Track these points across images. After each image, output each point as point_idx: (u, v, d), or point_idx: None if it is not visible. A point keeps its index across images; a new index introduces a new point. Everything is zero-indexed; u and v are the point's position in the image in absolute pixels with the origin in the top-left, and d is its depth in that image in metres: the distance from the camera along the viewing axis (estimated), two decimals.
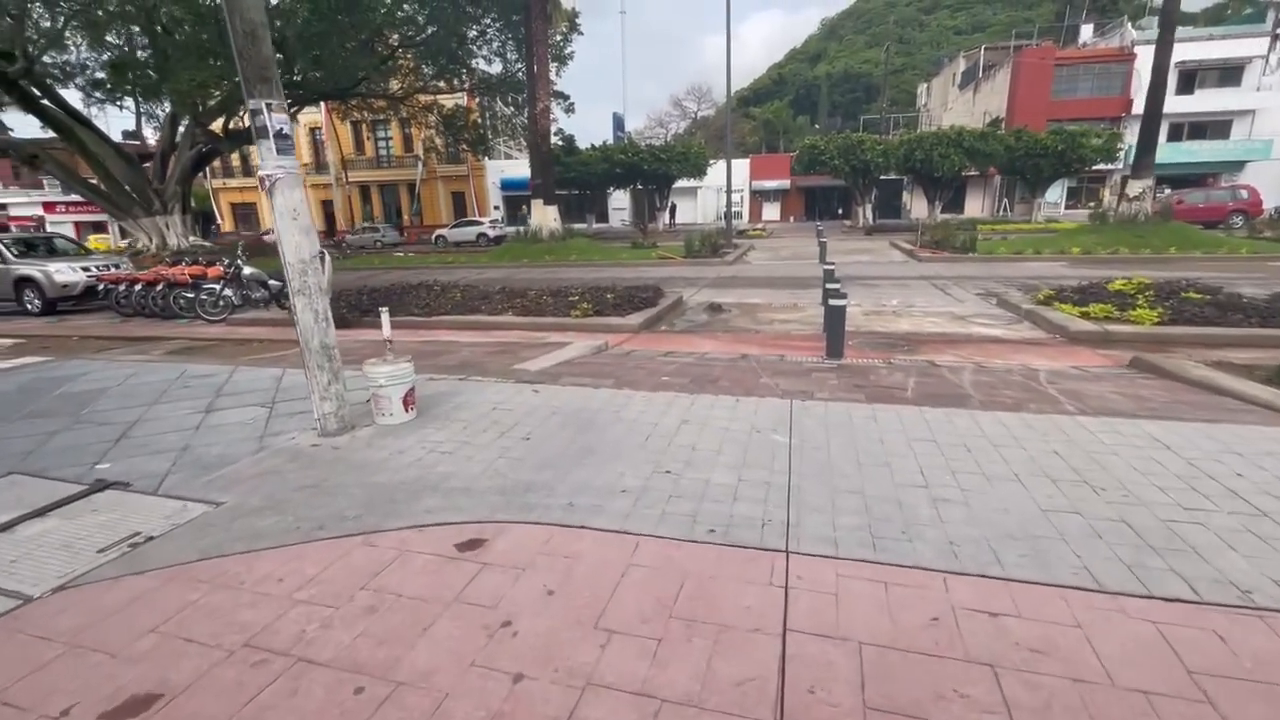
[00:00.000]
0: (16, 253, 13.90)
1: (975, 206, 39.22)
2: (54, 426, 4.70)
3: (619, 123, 43.83)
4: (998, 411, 4.46)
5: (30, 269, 13.39)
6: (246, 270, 11.84)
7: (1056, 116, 33.90)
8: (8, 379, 6.19)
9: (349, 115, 32.70)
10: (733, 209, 29.38)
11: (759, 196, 45.80)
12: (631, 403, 4.81)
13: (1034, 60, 35.50)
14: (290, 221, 3.89)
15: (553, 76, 25.60)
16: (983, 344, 7.35)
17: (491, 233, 32.73)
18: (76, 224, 42.44)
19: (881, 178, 33.16)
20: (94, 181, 21.46)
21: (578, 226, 35.75)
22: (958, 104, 45.93)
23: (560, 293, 10.45)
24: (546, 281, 14.39)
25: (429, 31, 23.34)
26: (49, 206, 43.25)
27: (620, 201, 43.09)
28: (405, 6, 22.44)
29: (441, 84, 26.82)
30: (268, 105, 3.69)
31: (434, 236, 34.62)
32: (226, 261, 12.00)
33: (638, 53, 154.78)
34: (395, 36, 23.65)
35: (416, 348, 7.54)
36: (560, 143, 32.89)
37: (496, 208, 42.09)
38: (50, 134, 21.16)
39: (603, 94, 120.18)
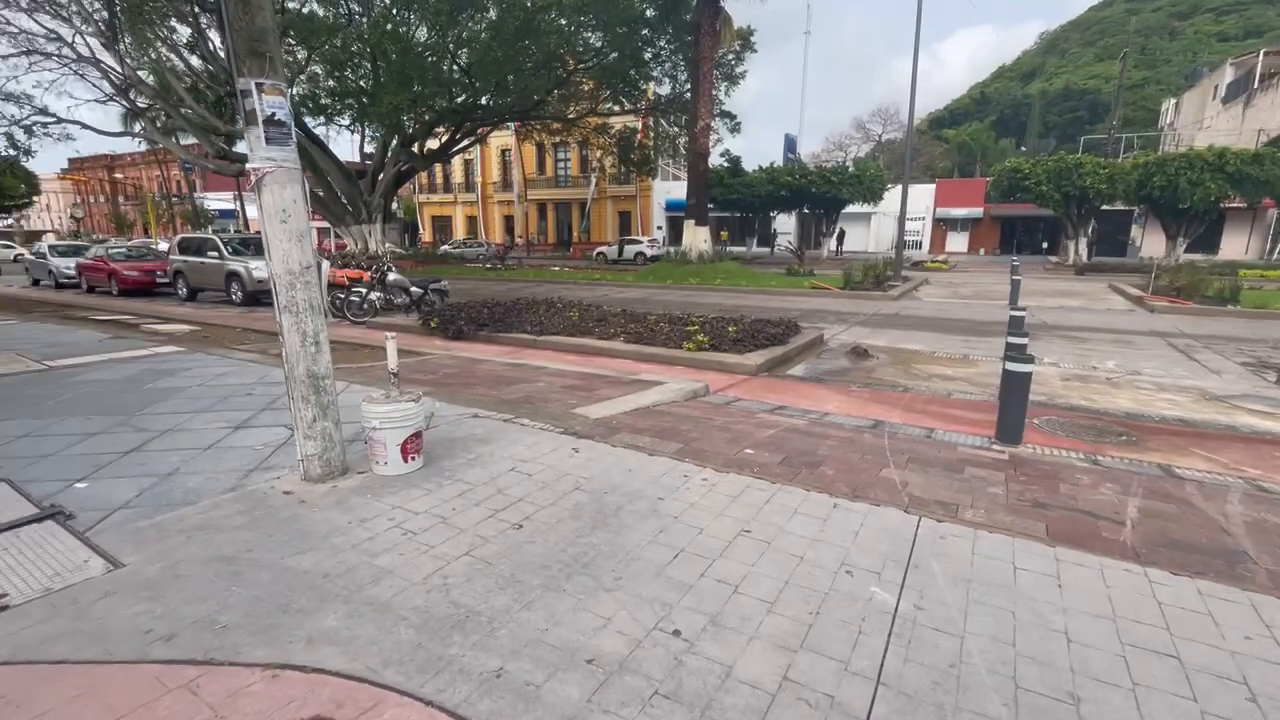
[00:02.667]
0: (231, 250, 16.03)
1: (1236, 247, 31.48)
2: (100, 426, 4.59)
3: (790, 144, 41.92)
4: None
5: (237, 264, 15.31)
6: (391, 276, 12.36)
7: None
8: (123, 369, 6.53)
9: (529, 136, 34.77)
10: (910, 238, 26.32)
11: (944, 225, 41.01)
12: (686, 486, 3.55)
13: None
14: (279, 225, 3.24)
15: (721, 96, 24.83)
16: (1256, 445, 4.94)
17: (649, 251, 32.81)
18: (318, 230, 50.47)
19: (1104, 208, 27.72)
20: (319, 193, 24.90)
21: (737, 250, 34.53)
22: (1218, 121, 37.49)
23: (680, 320, 9.39)
24: (683, 305, 13.43)
25: (605, 56, 23.82)
26: None
27: (785, 225, 41.15)
28: (584, 35, 23.07)
29: (615, 106, 27.34)
30: (258, 85, 3.07)
31: (595, 253, 35.61)
32: (373, 267, 12.64)
33: (827, 76, 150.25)
34: (572, 61, 24.49)
35: (499, 372, 6.91)
36: (726, 163, 32.04)
37: (659, 228, 42.40)
38: None
39: (784, 117, 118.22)
